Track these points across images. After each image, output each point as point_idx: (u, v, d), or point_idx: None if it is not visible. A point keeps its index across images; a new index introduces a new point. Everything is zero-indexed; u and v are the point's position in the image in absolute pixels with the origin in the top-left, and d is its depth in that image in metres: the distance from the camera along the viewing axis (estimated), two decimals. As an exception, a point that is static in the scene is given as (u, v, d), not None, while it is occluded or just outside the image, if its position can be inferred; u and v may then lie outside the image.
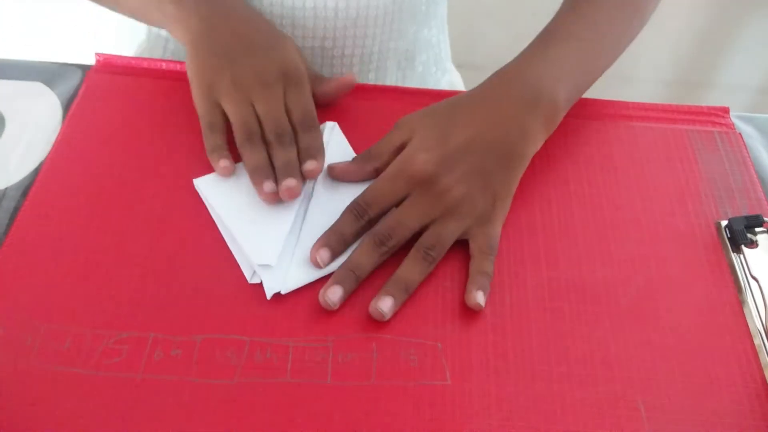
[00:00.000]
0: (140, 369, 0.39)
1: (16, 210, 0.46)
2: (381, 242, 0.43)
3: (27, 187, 0.47)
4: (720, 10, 1.29)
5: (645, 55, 1.35)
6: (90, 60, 0.56)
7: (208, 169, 0.48)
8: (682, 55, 1.36)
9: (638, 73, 1.37)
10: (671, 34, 1.34)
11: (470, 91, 0.49)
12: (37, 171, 0.48)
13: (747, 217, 0.47)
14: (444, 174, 0.44)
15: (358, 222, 0.44)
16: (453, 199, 0.44)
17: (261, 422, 0.37)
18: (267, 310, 0.42)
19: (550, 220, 0.47)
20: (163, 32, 0.64)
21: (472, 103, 0.48)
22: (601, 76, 0.52)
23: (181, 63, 0.55)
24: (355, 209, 0.45)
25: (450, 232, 0.44)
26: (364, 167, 0.48)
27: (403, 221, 0.44)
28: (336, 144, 0.50)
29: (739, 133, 0.54)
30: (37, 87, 0.54)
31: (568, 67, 0.49)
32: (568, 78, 0.49)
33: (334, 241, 0.44)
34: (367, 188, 0.46)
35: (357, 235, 0.44)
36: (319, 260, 0.43)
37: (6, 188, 0.48)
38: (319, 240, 0.44)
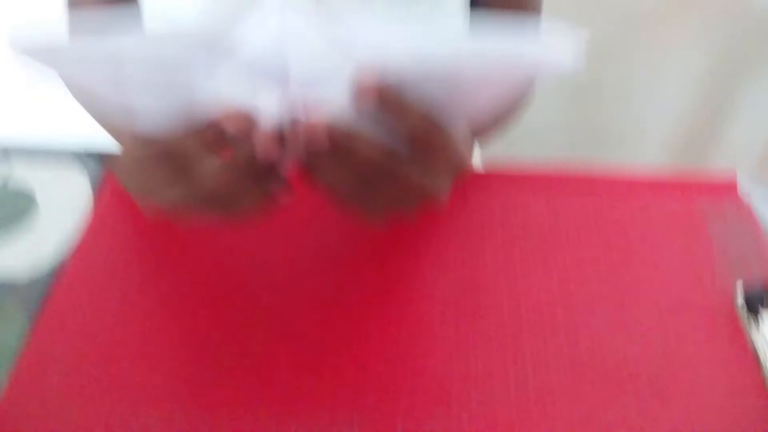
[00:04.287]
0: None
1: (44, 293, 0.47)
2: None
3: (55, 271, 0.49)
4: (727, 67, 1.29)
5: (652, 113, 1.37)
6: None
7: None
8: (688, 112, 1.37)
9: (646, 127, 1.38)
10: (677, 90, 1.35)
11: None
12: (64, 256, 0.50)
13: (764, 289, 0.47)
14: None
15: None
16: None
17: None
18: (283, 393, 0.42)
19: (569, 295, 0.48)
20: None
21: None
22: None
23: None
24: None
25: None
26: None
27: None
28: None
29: (749, 205, 0.55)
30: (68, 166, 0.56)
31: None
32: None
33: None
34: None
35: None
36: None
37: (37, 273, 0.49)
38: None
